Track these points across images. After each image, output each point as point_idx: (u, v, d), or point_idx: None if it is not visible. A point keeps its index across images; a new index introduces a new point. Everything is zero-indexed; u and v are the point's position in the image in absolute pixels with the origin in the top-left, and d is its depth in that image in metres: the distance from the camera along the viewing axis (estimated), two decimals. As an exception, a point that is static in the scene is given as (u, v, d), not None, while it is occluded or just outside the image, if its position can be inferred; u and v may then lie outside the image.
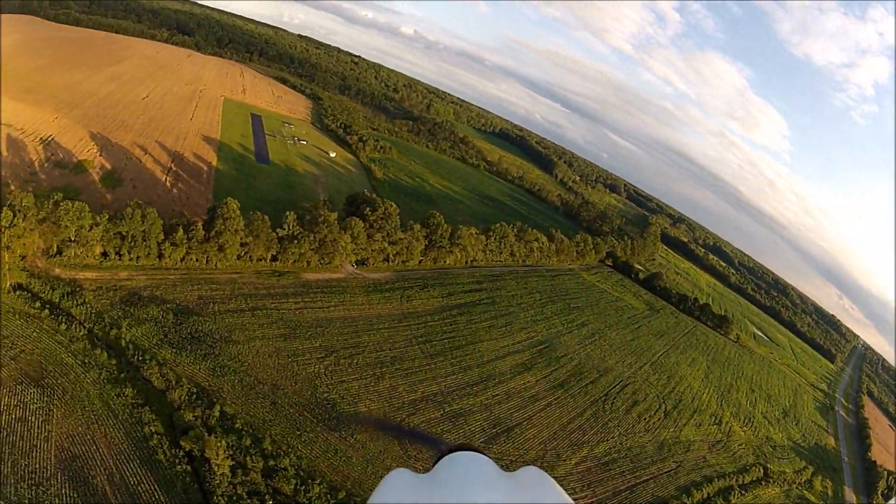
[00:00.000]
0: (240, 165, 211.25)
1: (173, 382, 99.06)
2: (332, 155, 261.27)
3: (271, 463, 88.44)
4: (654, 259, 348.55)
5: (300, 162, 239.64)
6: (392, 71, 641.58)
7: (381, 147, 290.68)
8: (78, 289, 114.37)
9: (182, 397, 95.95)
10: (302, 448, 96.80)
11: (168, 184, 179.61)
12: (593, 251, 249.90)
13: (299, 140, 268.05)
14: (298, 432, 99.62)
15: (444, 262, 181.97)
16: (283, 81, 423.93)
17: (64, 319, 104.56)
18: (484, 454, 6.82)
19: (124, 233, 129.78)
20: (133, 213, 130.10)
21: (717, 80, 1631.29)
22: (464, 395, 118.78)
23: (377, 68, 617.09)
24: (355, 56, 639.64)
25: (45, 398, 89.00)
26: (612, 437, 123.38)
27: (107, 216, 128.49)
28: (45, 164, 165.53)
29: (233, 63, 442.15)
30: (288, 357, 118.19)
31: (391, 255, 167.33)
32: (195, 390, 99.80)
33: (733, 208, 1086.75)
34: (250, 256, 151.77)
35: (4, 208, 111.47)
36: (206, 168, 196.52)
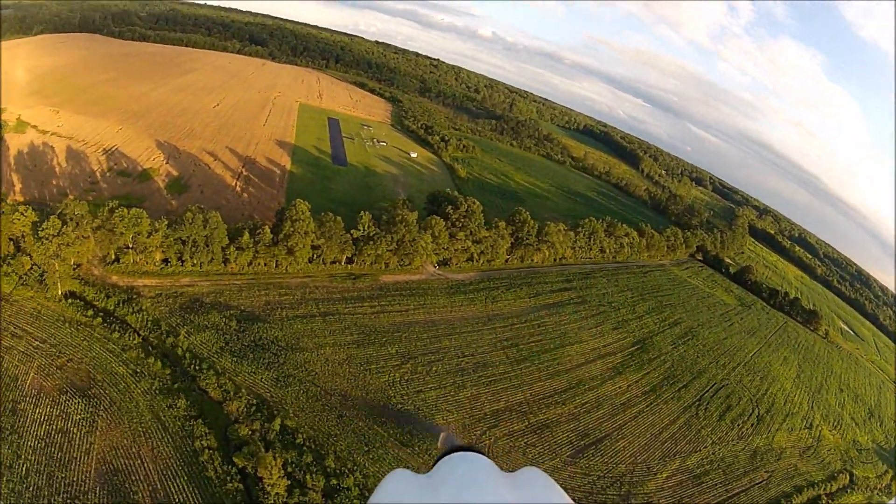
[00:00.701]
0: (315, 168, 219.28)
1: (231, 393, 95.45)
2: (413, 155, 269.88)
3: (334, 482, 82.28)
4: (742, 252, 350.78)
5: (379, 163, 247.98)
6: (472, 73, 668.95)
7: (464, 146, 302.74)
8: (135, 296, 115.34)
9: (240, 409, 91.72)
10: (369, 465, 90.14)
11: (238, 188, 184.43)
12: (683, 245, 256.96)
13: (379, 142, 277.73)
14: (367, 448, 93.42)
15: (532, 260, 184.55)
16: (361, 86, 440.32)
17: (117, 327, 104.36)
18: (484, 454, 6.94)
19: (185, 238, 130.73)
20: (194, 217, 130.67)
21: (791, 69, 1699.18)
22: (551, 403, 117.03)
23: (457, 70, 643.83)
24: (434, 59, 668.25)
25: (90, 409, 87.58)
26: (705, 447, 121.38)
27: (165, 222, 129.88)
28: (108, 174, 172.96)
29: (308, 70, 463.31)
30: (360, 365, 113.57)
31: (475, 255, 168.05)
32: (255, 402, 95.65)
33: (814, 198, 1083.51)
34: (323, 259, 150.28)
35: (52, 217, 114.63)
36: (279, 172, 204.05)
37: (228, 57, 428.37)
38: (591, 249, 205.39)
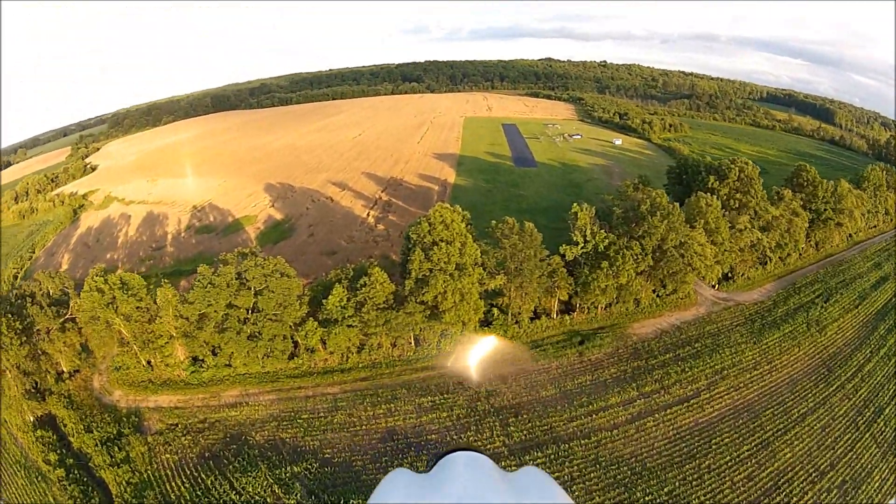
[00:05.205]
0: (492, 175, 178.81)
1: None
2: (618, 142, 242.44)
3: None
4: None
5: (580, 156, 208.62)
6: (643, 66, 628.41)
7: (671, 125, 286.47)
8: (128, 430, 71.54)
9: None
10: None
11: (371, 219, 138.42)
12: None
13: (571, 135, 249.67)
14: None
15: (830, 243, 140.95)
16: (534, 96, 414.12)
17: (78, 491, 64.54)
18: (484, 454, 6.39)
19: (205, 312, 71.48)
20: (215, 274, 71.74)
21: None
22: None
23: (627, 67, 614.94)
24: (601, 61, 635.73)
25: None
26: None
27: (168, 287, 75.45)
28: (183, 234, 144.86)
29: (472, 93, 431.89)
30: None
31: (768, 250, 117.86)
32: None
33: None
34: (513, 315, 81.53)
35: None
36: (437, 188, 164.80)
37: (379, 99, 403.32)
38: (877, 213, 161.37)
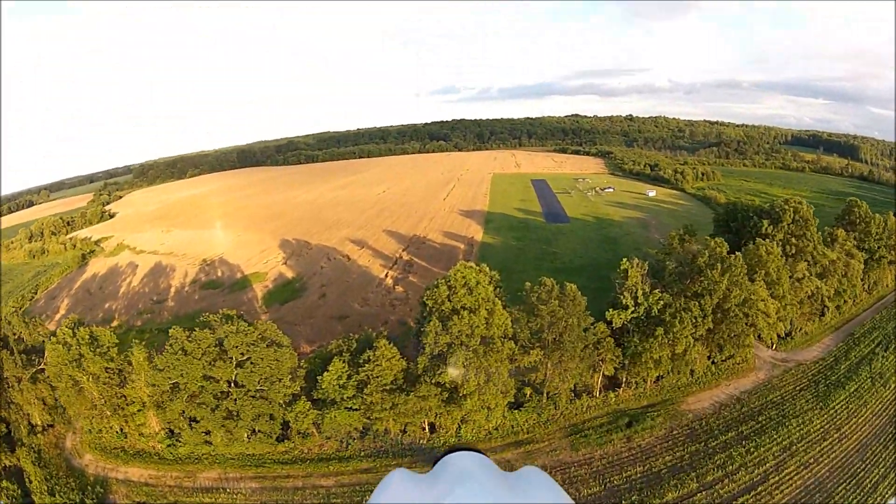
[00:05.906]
0: (522, 233, 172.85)
1: None
2: (651, 193, 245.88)
3: None
4: None
5: (614, 210, 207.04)
6: (668, 118, 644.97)
7: (703, 174, 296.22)
8: (95, 500, 64.75)
9: None
10: None
11: (389, 280, 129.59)
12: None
13: (603, 189, 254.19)
14: None
15: (882, 284, 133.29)
16: (562, 151, 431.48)
17: None
18: (483, 454, 6.93)
19: (178, 383, 61.91)
20: (188, 338, 62.12)
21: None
22: None
23: (654, 120, 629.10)
24: (627, 115, 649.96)
25: None
26: None
27: (140, 350, 65.80)
28: (186, 288, 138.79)
29: (500, 151, 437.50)
30: None
31: (827, 299, 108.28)
32: None
33: None
34: (548, 394, 70.29)
35: None
36: (464, 246, 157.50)
37: (407, 157, 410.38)
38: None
